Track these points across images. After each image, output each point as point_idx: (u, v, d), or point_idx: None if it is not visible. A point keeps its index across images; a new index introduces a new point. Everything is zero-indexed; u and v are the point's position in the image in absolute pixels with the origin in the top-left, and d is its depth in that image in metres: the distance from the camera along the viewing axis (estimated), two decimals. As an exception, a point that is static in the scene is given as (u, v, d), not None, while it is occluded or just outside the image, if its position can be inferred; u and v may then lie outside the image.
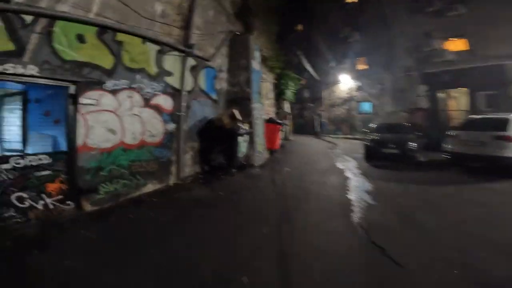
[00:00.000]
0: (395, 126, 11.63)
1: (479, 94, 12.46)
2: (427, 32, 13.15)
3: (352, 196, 5.31)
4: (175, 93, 5.90)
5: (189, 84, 6.35)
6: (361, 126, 17.49)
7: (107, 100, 4.42)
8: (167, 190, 5.43)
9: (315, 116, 20.54)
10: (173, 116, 5.89)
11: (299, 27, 20.80)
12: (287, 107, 17.36)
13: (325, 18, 18.71)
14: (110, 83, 4.45)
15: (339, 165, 8.59)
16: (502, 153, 7.25)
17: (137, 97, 4.96)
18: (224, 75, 8.17)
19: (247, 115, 8.01)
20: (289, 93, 16.41)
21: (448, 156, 8.55)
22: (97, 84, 4.25)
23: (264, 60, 11.47)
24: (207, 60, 7.06)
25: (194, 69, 6.56)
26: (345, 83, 18.29)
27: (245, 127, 7.65)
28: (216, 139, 6.75)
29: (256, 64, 9.04)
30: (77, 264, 2.75)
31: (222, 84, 8.12)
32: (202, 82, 6.98)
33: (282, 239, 3.44)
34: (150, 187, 5.29)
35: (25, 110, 4.92)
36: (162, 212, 4.32)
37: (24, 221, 3.54)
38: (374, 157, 9.71)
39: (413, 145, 9.59)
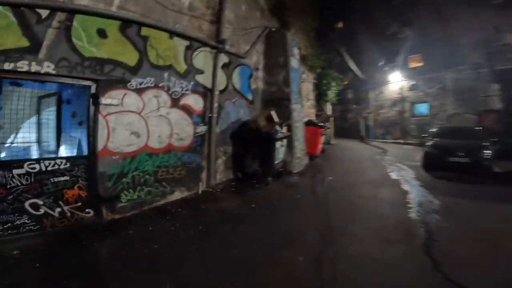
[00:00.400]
0: (464, 131, 9.75)
1: None
2: (496, 26, 11.06)
3: (413, 214, 4.26)
4: (206, 92, 5.42)
5: (221, 83, 5.84)
6: (416, 129, 15.52)
7: (131, 100, 4.05)
8: (195, 199, 4.93)
9: (360, 118, 18.90)
10: (204, 118, 5.42)
11: (339, 24, 19.37)
12: (328, 109, 16.17)
13: (368, 14, 17.13)
14: (134, 82, 4.08)
15: (393, 174, 7.35)
16: None
17: (164, 97, 4.55)
18: (260, 74, 7.56)
19: (286, 117, 7.27)
20: (331, 94, 15.22)
21: None
22: (120, 83, 3.90)
23: (303, 59, 10.62)
24: (241, 57, 6.50)
25: (227, 67, 6.04)
26: (396, 82, 16.44)
27: (283, 130, 6.92)
28: (251, 144, 6.13)
29: (295, 62, 8.26)
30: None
31: (258, 83, 7.51)
32: (236, 81, 6.44)
33: (322, 273, 2.65)
34: (177, 195, 4.85)
35: (58, 112, 4.83)
36: (185, 225, 3.79)
37: (38, 229, 3.26)
38: (437, 166, 8.12)
39: (487, 153, 7.86)
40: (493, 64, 11.49)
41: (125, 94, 3.96)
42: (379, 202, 4.96)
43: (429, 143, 9.01)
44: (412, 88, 15.62)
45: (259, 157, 6.12)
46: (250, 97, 7.07)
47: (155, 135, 4.41)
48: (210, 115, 5.52)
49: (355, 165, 8.87)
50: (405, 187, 5.97)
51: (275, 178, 6.40)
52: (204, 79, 5.38)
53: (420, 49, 14.81)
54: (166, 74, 4.57)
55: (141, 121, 4.19)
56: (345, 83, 18.48)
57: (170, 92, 4.65)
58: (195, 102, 5.16)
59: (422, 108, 15.39)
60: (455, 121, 13.48)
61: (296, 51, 8.62)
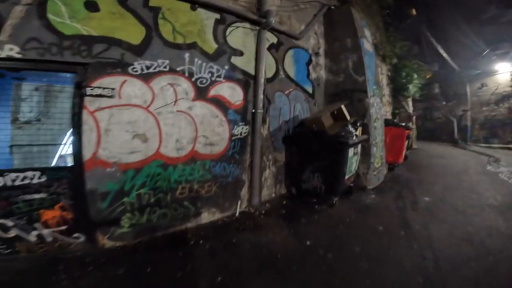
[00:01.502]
0: None
1: None
2: None
3: None
4: (247, 80, 4.01)
5: (269, 69, 4.36)
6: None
7: (134, 89, 2.89)
8: (228, 225, 3.48)
9: (453, 117, 14.95)
10: (245, 115, 4.01)
11: (413, 11, 15.89)
12: (409, 106, 13.08)
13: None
14: (139, 65, 2.92)
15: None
16: None
17: (184, 86, 3.29)
18: (321, 60, 5.82)
19: (361, 114, 5.33)
20: (413, 88, 12.19)
21: None
22: (117, 67, 2.78)
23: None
24: (295, 38, 4.92)
25: (276, 49, 4.55)
26: (505, 73, 12.31)
27: (357, 132, 5.01)
28: (310, 151, 4.42)
29: (368, 45, 6.25)
30: None
31: (319, 72, 5.77)
32: (290, 68, 4.87)
33: None
34: (205, 217, 3.51)
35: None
36: (198, 270, 2.38)
37: (10, 253, 2.36)
38: None
39: None
40: None
41: (124, 82, 2.81)
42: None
43: None
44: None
45: (322, 170, 4.36)
46: (309, 88, 5.41)
47: (171, 138, 3.17)
48: (253, 111, 4.09)
49: (457, 179, 6.21)
50: None
51: (342, 195, 4.54)
52: (244, 63, 3.99)
53: None
54: (187, 55, 3.31)
55: (150, 119, 2.99)
56: (428, 76, 14.92)
57: (193, 79, 3.38)
58: (231, 93, 3.80)
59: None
60: None
61: (367, 32, 6.60)
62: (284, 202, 4.43)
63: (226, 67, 3.74)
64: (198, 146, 3.42)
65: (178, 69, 3.23)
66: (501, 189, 5.20)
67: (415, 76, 11.85)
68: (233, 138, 3.86)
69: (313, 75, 5.51)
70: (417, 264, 2.54)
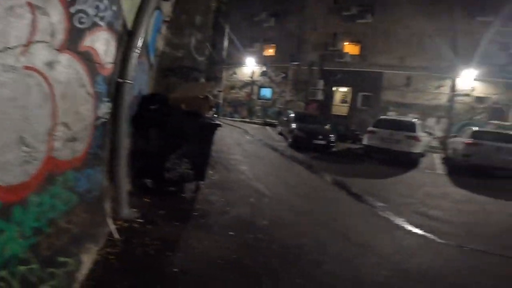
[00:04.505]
0: (311, 117, 11.64)
1: (359, 93, 14.30)
2: (336, 33, 13.63)
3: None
4: (122, 35, 2.38)
5: (142, 23, 2.81)
6: (260, 111, 16.81)
7: None
8: (110, 267, 2.10)
9: (211, 96, 18.09)
10: (111, 86, 2.40)
11: None
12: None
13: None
14: None
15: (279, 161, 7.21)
16: (411, 149, 8.27)
17: (54, 17, 1.34)
18: (163, 30, 4.70)
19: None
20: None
21: (365, 148, 9.18)
22: None
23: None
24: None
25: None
26: (250, 66, 16.78)
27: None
28: (181, 135, 3.56)
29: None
30: None
31: (159, 41, 4.66)
32: (150, 31, 3.47)
33: None
34: (85, 262, 1.84)
35: None
36: None
37: None
38: (303, 147, 9.13)
39: (333, 136, 9.86)
40: (324, 64, 14.13)
41: None
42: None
43: (293, 126, 9.89)
44: (262, 73, 16.55)
45: (192, 155, 3.71)
46: (152, 59, 4.21)
47: (8, 135, 1.24)
48: (120, 80, 2.53)
49: (239, 143, 8.40)
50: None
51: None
52: (128, 10, 2.31)
53: (276, 40, 15.79)
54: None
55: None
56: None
57: (72, 10, 1.48)
58: (106, 49, 2.07)
59: (267, 93, 16.82)
60: (290, 106, 15.72)
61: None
62: (148, 200, 3.36)
63: (114, 7, 1.98)
64: (57, 146, 1.61)
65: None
66: (253, 143, 7.54)
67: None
68: (97, 123, 2.22)
69: (157, 45, 4.36)
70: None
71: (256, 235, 2.96)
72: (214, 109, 9.87)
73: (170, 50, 4.96)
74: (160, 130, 3.53)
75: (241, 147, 8.41)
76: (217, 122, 3.77)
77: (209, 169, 4.69)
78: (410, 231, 3.57)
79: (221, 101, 18.15)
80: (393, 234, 3.44)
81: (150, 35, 3.76)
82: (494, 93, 12.66)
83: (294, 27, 15.31)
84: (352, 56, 14.02)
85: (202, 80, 5.38)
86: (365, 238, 3.21)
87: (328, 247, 2.95)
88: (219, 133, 11.83)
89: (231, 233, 2.95)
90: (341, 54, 13.81)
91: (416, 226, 3.67)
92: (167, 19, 4.80)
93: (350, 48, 14.40)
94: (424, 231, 3.50)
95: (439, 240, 3.29)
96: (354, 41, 14.32)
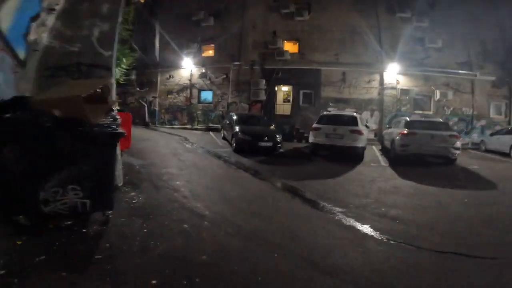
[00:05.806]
0: (255, 119, 11.02)
1: (301, 91, 14.24)
2: (275, 32, 13.28)
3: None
4: None
5: None
6: (201, 115, 15.57)
7: None
8: None
9: (144, 103, 16.08)
10: None
11: None
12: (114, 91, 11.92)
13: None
14: None
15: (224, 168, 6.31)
16: (355, 143, 8.16)
17: None
18: (51, 20, 3.34)
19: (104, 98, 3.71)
20: (118, 73, 11.18)
21: (311, 146, 8.86)
22: None
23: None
24: None
25: None
26: (188, 69, 15.33)
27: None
28: (56, 152, 2.31)
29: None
30: None
31: (41, 34, 3.30)
32: (7, 17, 2.20)
33: None
34: None
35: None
36: None
37: None
38: (249, 151, 8.36)
39: (279, 137, 9.35)
40: (264, 63, 13.67)
41: None
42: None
43: (237, 129, 9.06)
44: (201, 75, 15.29)
45: (82, 178, 2.46)
46: (22, 54, 2.90)
47: None
48: None
49: (176, 153, 7.03)
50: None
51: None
52: None
53: (216, 40, 14.72)
54: None
55: None
56: (130, 62, 14.62)
57: None
58: None
59: (208, 96, 15.65)
60: (232, 109, 14.86)
61: None
62: (20, 242, 2.06)
63: None
64: None
65: None
66: (193, 151, 6.57)
67: (124, 60, 10.89)
68: None
69: (33, 37, 3.01)
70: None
71: (191, 280, 1.97)
72: (114, 113, 8.33)
73: (60, 44, 3.62)
74: (18, 149, 2.23)
75: (178, 157, 7.23)
76: (119, 130, 2.60)
77: (116, 193, 3.48)
78: (381, 240, 3.00)
79: (157, 108, 16.34)
80: (365, 248, 2.81)
81: (11, 23, 2.50)
82: (416, 85, 13.91)
83: (234, 26, 14.53)
84: (292, 54, 13.87)
85: (113, 80, 4.10)
86: (335, 260, 2.48)
87: (291, 281, 2.12)
88: (152, 144, 10.66)
89: (153, 281, 1.91)
90: (281, 52, 13.53)
91: (385, 233, 3.13)
92: (54, 7, 3.49)
93: (289, 46, 14.26)
94: (396, 239, 2.97)
95: (415, 249, 2.77)
96: (293, 38, 14.22)
